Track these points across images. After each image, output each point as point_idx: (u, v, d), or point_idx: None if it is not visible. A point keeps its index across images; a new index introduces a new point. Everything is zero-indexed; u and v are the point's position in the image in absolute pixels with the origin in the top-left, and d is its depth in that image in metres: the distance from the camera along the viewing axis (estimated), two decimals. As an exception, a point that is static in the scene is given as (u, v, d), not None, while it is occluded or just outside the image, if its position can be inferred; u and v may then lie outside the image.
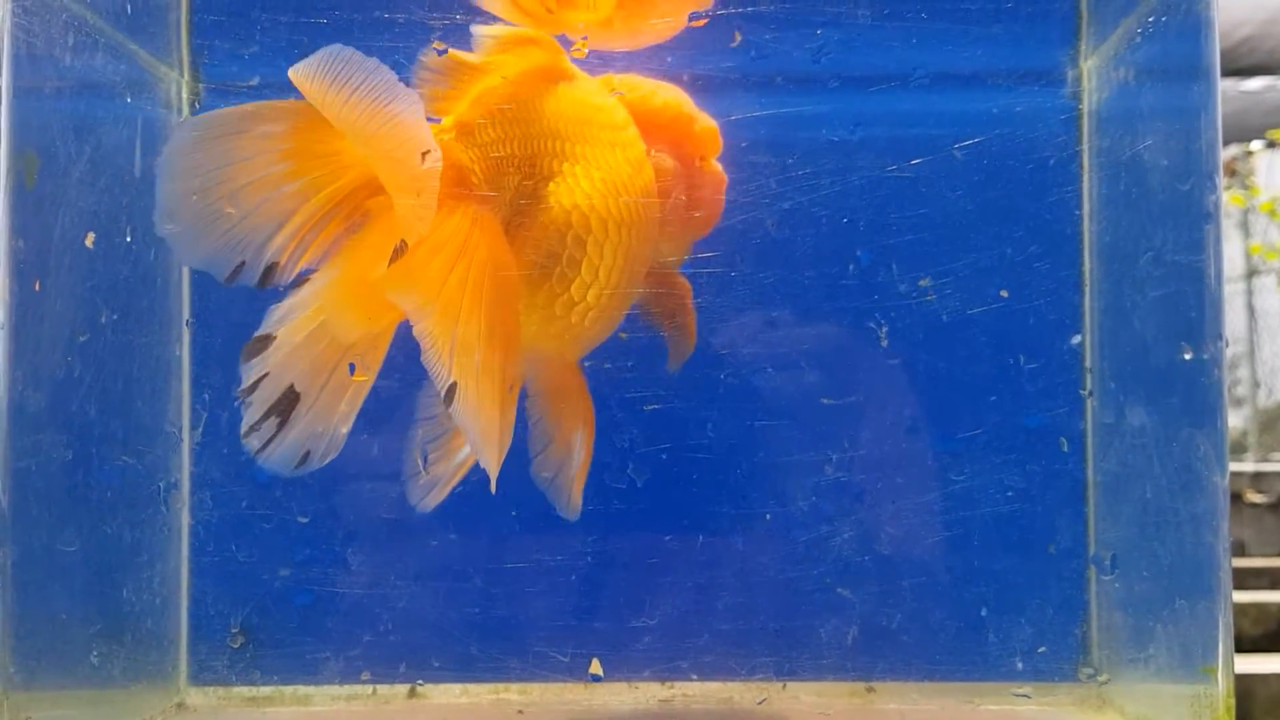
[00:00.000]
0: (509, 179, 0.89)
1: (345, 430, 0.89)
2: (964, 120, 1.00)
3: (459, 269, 0.85)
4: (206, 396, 1.01)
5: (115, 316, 0.96)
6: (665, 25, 0.94)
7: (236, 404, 0.88)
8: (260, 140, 0.86)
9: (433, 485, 0.93)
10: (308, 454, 0.89)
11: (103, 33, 0.96)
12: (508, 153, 0.89)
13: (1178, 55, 0.93)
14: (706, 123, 0.97)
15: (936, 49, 0.99)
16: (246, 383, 0.88)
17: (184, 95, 1.02)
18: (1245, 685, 2.55)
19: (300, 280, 0.88)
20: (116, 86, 0.98)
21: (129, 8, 0.98)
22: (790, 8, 0.96)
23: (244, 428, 0.88)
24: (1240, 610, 3.15)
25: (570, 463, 0.94)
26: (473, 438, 0.84)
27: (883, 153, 0.99)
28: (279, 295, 0.88)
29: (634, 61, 0.96)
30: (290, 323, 0.88)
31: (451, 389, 0.82)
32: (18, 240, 0.87)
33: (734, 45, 0.97)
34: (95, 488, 0.94)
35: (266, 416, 0.88)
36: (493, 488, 0.85)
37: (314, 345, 0.88)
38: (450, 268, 0.84)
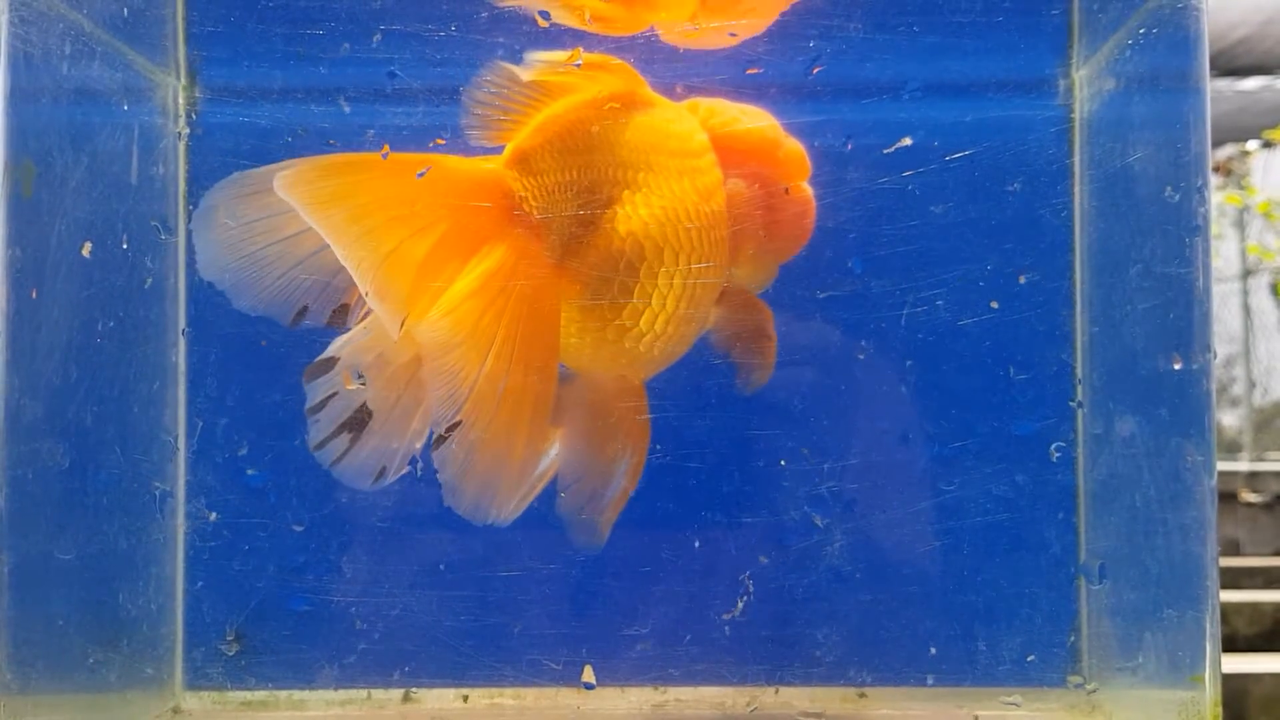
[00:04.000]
0: (565, 206, 0.89)
1: (419, 445, 0.91)
2: (956, 131, 1.00)
3: (497, 303, 0.86)
4: (202, 404, 1.01)
5: (111, 324, 0.96)
6: (751, 24, 0.94)
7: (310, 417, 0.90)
8: None
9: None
10: (383, 469, 0.91)
11: (100, 40, 0.96)
12: (565, 180, 0.90)
13: (1168, 68, 0.93)
14: (792, 147, 0.97)
15: (928, 60, 1.00)
16: (313, 401, 0.91)
17: (180, 102, 1.03)
18: (1239, 685, 2.55)
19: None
20: (113, 94, 0.99)
21: (126, 13, 0.98)
22: (783, 20, 0.96)
23: (313, 442, 0.91)
24: (1235, 610, 3.15)
25: (605, 493, 0.94)
26: (462, 473, 0.85)
27: (875, 163, 0.99)
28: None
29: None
30: (353, 345, 0.90)
31: (452, 428, 0.84)
32: (14, 249, 0.87)
33: (727, 55, 0.97)
34: (91, 495, 0.94)
35: (338, 433, 0.90)
36: (470, 515, 0.87)
37: (384, 366, 0.90)
38: (488, 304, 0.86)
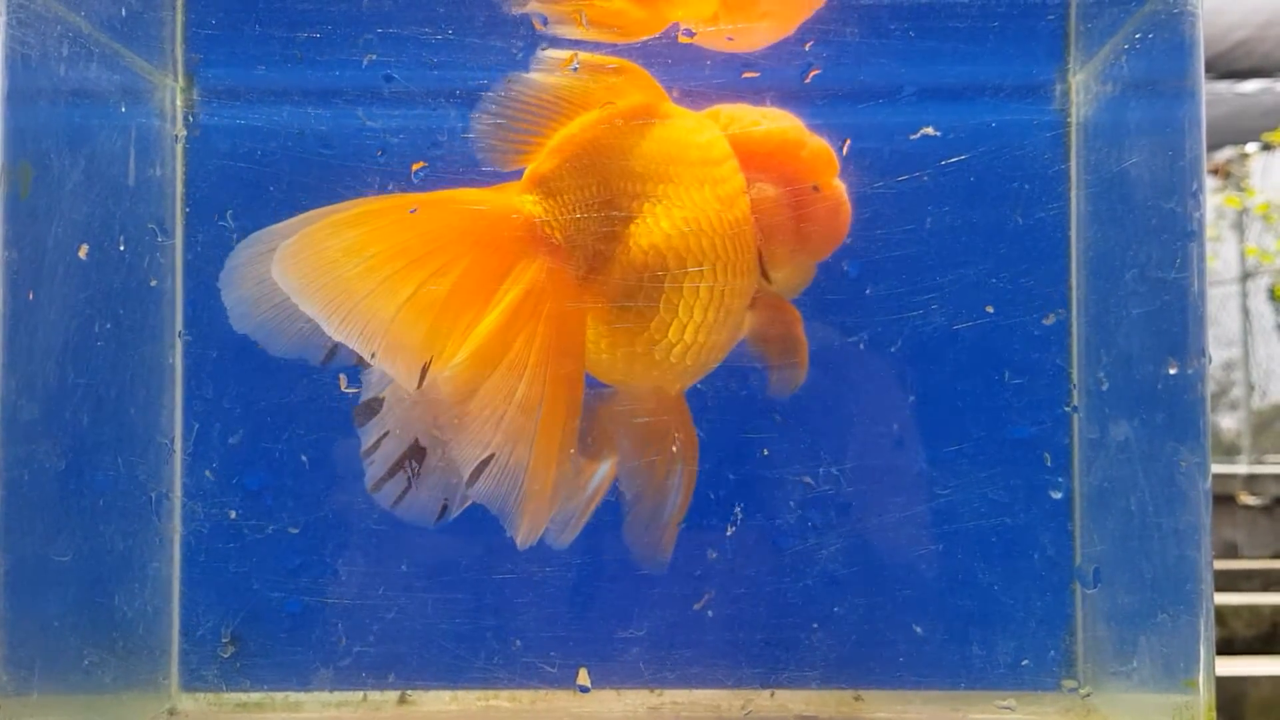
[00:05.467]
0: (587, 224, 0.89)
1: None
2: (952, 135, 1.00)
3: (527, 330, 0.86)
4: (199, 407, 1.01)
5: (108, 326, 0.96)
6: (773, 28, 0.94)
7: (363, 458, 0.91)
8: None
9: (566, 521, 0.94)
10: (445, 506, 0.91)
11: (97, 42, 0.96)
12: (586, 197, 0.89)
13: (1164, 73, 0.94)
14: (817, 145, 0.96)
15: (924, 65, 1.00)
16: (368, 443, 0.91)
17: (178, 104, 1.03)
18: (1237, 687, 2.56)
19: None
20: (111, 96, 0.99)
21: (124, 15, 0.98)
22: (780, 24, 0.97)
23: (371, 483, 0.91)
24: (1233, 612, 3.16)
25: (663, 509, 0.94)
26: (507, 504, 0.85)
27: (871, 168, 0.99)
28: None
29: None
30: (394, 383, 0.89)
31: (486, 462, 0.84)
32: (11, 251, 0.88)
33: (723, 60, 0.97)
34: (88, 496, 0.95)
35: (394, 472, 0.90)
36: (523, 542, 0.87)
37: (431, 403, 0.89)
38: (518, 332, 0.86)
